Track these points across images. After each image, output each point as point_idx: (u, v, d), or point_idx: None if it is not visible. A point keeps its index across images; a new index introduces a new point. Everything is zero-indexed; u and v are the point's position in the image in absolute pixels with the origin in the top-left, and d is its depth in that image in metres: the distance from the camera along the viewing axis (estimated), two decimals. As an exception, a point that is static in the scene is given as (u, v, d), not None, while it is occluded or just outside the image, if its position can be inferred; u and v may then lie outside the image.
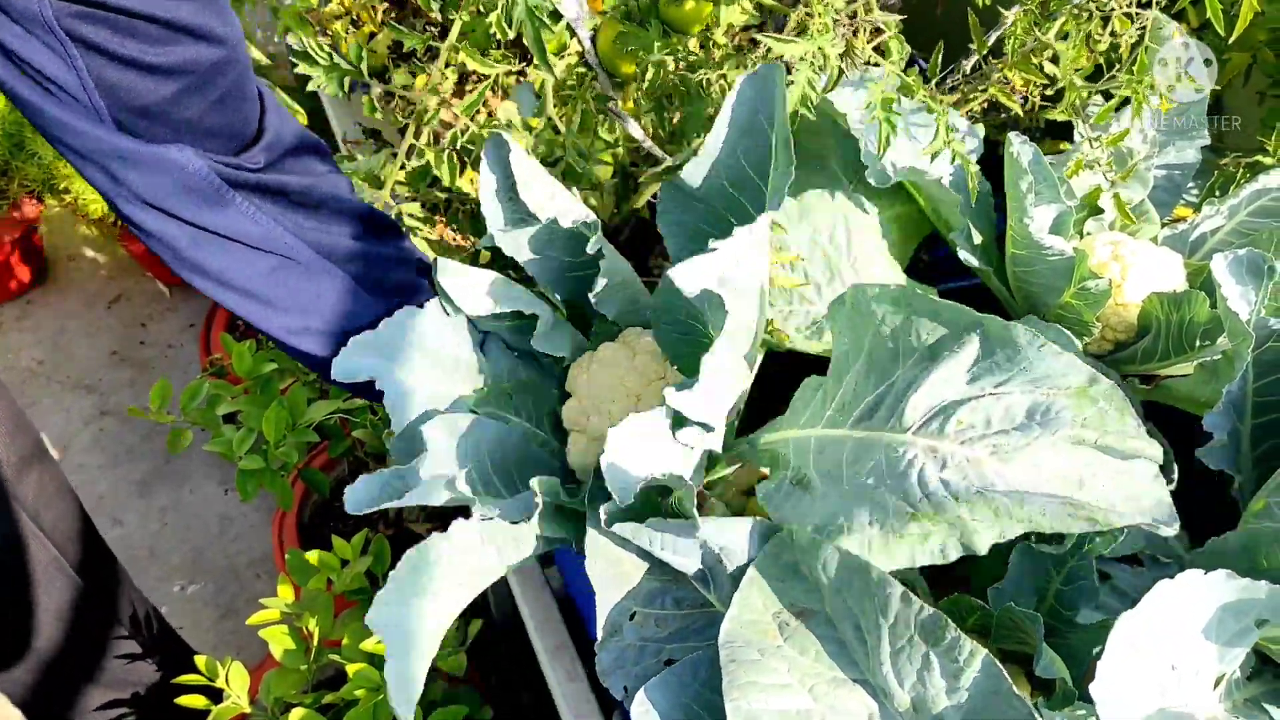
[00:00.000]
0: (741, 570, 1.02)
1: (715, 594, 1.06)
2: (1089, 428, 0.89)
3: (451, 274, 1.22)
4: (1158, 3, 1.32)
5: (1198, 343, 1.24)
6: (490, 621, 1.61)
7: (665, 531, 1.02)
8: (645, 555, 1.07)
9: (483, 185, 1.25)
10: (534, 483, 1.07)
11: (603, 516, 1.03)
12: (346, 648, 1.46)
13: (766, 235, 1.08)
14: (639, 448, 1.02)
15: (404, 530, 2.21)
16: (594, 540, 1.05)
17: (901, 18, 1.32)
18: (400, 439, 1.17)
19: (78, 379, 3.30)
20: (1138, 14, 1.31)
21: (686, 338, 1.18)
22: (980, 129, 1.36)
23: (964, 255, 1.35)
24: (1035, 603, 1.00)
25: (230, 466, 1.69)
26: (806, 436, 1.06)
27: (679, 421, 1.06)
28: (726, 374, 1.07)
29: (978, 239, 1.35)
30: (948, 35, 1.39)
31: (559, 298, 1.31)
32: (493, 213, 1.26)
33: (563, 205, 1.23)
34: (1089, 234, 1.40)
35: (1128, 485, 0.87)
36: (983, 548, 0.89)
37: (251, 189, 1.10)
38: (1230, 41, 1.29)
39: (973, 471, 0.91)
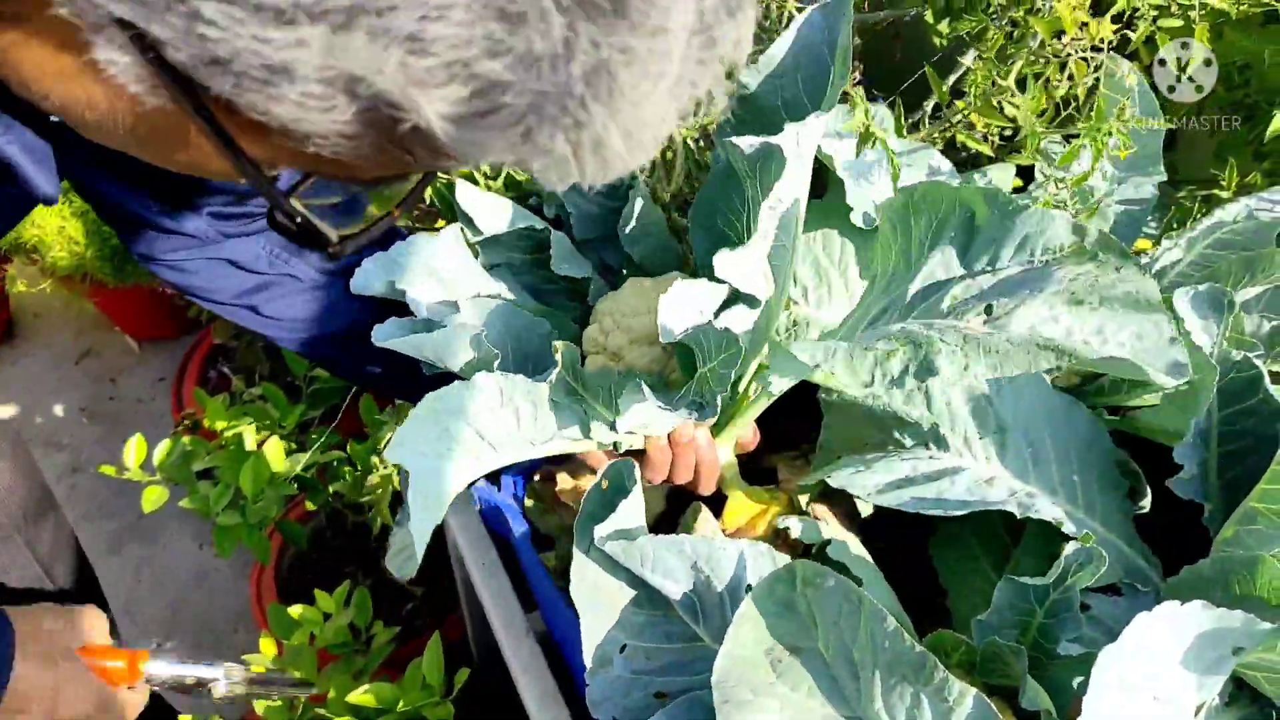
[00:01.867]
0: (729, 596, 1.03)
1: (704, 628, 1.07)
2: (1079, 282, 0.96)
3: (470, 196, 1.27)
4: (1109, 45, 1.36)
5: (1164, 375, 1.26)
6: (476, 670, 1.61)
7: (656, 549, 1.02)
8: (633, 582, 1.08)
9: None
10: (557, 344, 1.10)
11: (596, 536, 1.04)
12: (332, 701, 1.45)
13: (821, 132, 1.10)
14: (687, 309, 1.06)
15: (384, 578, 2.20)
16: (581, 565, 1.06)
17: (858, 66, 1.35)
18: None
19: (48, 436, 3.26)
20: (1092, 57, 1.35)
21: (727, 234, 1.20)
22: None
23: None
24: (1018, 635, 1.01)
25: (205, 520, 1.69)
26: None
27: (732, 298, 1.10)
28: (780, 234, 1.08)
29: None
30: (904, 75, 1.42)
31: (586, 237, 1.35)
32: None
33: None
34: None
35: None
36: (947, 372, 0.93)
37: None
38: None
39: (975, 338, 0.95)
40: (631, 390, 1.10)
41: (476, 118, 0.57)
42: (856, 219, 1.28)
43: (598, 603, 1.08)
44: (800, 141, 1.05)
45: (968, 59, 1.34)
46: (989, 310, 0.97)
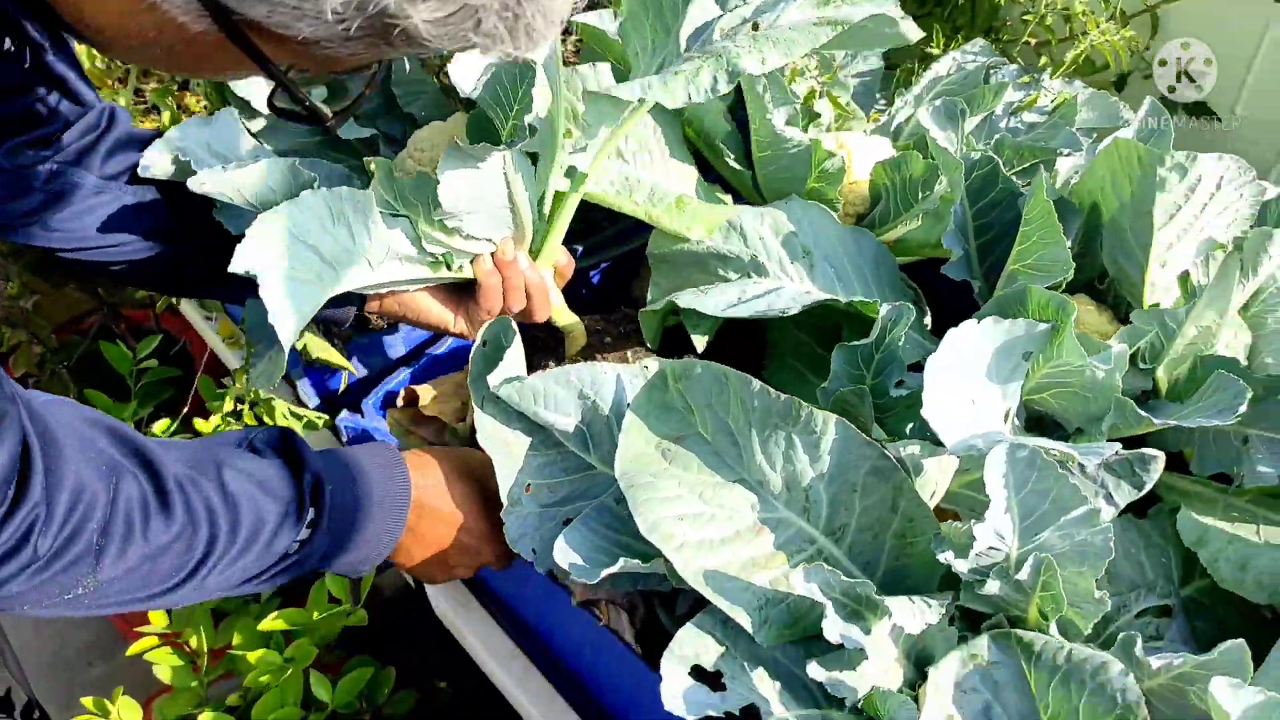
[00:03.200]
0: (614, 418, 1.17)
1: (595, 455, 1.20)
2: None
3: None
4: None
5: (920, 194, 1.49)
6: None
7: (546, 384, 1.15)
8: (528, 429, 1.20)
9: None
10: (370, 158, 1.24)
11: (490, 384, 1.16)
12: (239, 645, 1.50)
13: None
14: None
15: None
16: (480, 419, 1.18)
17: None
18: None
19: None
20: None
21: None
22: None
23: (729, 164, 1.56)
24: (858, 397, 1.20)
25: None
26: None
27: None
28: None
29: (733, 154, 1.57)
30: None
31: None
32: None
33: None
34: (814, 136, 1.64)
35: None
36: (751, 68, 1.11)
37: None
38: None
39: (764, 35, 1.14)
40: (449, 167, 1.22)
41: (448, 18, 0.81)
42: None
43: (501, 451, 1.20)
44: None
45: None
46: (755, 28, 1.15)
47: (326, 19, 0.78)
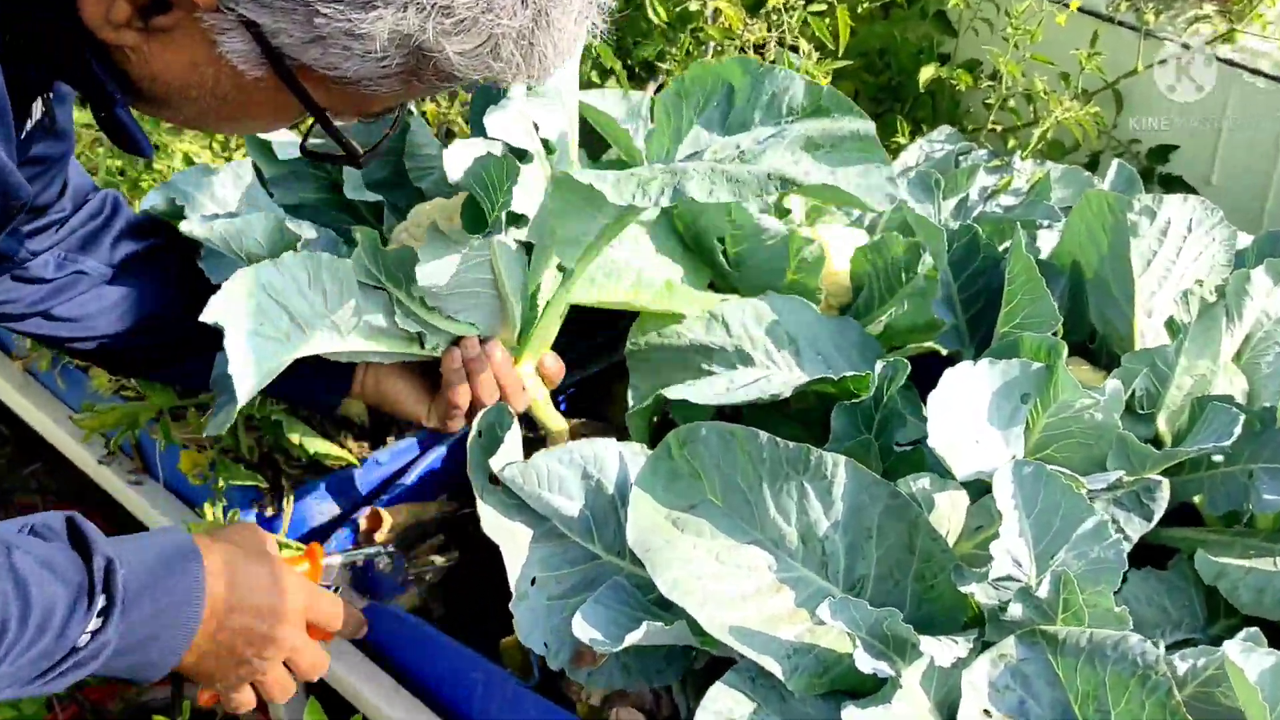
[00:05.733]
0: (619, 497, 1.45)
1: (600, 543, 1.48)
2: (813, 128, 1.52)
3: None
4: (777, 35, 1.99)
5: (904, 276, 1.83)
6: None
7: (549, 463, 1.45)
8: (530, 521, 1.48)
9: None
10: (358, 229, 1.58)
11: (493, 467, 1.45)
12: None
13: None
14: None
15: None
16: (484, 510, 1.47)
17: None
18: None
19: None
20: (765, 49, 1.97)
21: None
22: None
23: (717, 258, 1.90)
24: (863, 451, 1.50)
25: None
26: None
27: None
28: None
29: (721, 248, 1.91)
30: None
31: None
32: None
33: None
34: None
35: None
36: (696, 194, 1.42)
37: None
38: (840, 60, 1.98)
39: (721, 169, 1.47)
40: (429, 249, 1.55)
41: (476, 49, 1.12)
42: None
43: (508, 541, 1.47)
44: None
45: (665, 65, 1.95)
46: (741, 156, 1.50)
47: (374, 54, 1.10)
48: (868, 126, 1.52)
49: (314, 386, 1.66)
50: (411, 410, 1.70)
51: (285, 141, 1.75)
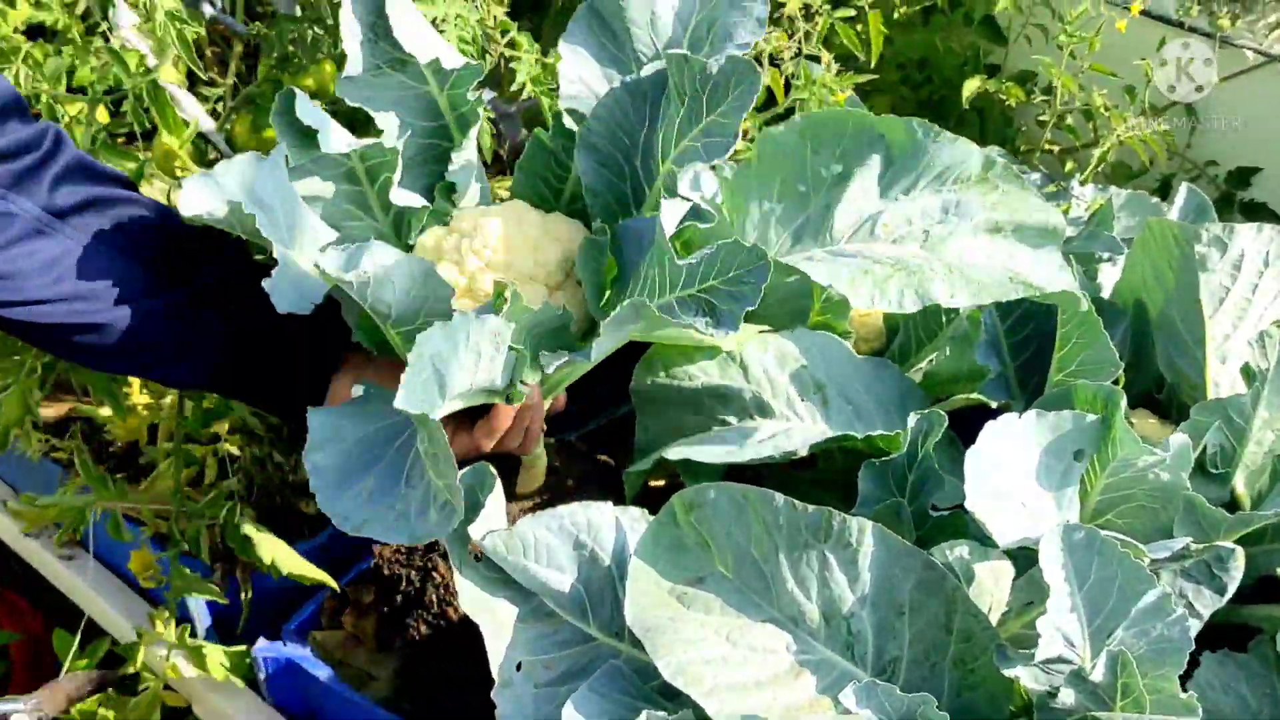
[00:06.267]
0: (616, 569, 1.35)
1: (595, 622, 1.38)
2: (999, 210, 1.42)
3: (307, 108, 1.52)
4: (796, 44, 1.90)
5: (944, 318, 1.73)
6: None
7: (535, 531, 1.34)
8: (515, 597, 1.38)
9: (343, 19, 1.59)
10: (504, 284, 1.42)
11: (473, 536, 1.35)
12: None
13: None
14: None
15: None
16: (462, 584, 1.36)
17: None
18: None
19: None
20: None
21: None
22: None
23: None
24: (893, 516, 1.40)
25: None
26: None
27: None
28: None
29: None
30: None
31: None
32: (352, 53, 1.59)
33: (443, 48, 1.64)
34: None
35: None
36: (940, 298, 1.37)
37: None
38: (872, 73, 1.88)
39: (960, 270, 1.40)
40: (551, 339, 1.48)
41: None
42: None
43: (488, 620, 1.37)
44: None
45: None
46: (925, 237, 1.43)
47: None
48: (1056, 218, 1.44)
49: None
50: None
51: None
